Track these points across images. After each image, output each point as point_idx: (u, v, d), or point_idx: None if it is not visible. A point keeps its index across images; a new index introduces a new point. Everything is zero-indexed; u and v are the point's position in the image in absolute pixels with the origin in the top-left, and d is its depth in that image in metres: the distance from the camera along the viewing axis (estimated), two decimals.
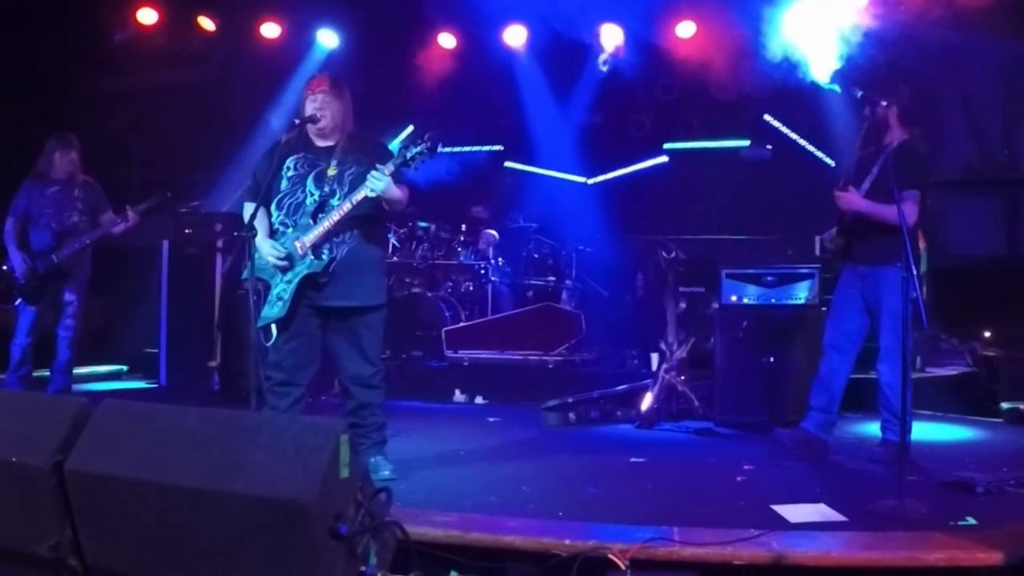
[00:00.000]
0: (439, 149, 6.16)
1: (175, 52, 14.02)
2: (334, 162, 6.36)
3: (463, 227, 12.93)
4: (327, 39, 14.23)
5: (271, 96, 13.88)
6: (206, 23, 14.07)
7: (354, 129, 6.58)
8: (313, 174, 6.36)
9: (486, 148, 15.01)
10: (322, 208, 6.26)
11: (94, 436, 4.28)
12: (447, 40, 14.06)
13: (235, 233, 9.64)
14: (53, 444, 4.28)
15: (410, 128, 12.97)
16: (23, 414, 4.63)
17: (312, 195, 6.31)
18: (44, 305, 9.26)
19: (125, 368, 13.26)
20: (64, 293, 9.24)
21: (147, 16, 13.93)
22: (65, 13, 12.74)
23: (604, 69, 13.45)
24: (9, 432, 4.49)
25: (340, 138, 6.47)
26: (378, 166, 6.07)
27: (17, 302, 9.19)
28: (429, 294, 12.31)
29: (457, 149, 14.31)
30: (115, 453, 4.13)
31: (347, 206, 6.16)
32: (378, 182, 6.00)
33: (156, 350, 11.88)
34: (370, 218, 6.39)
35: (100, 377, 12.71)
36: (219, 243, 11.55)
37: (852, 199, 6.94)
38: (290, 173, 6.40)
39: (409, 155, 6.11)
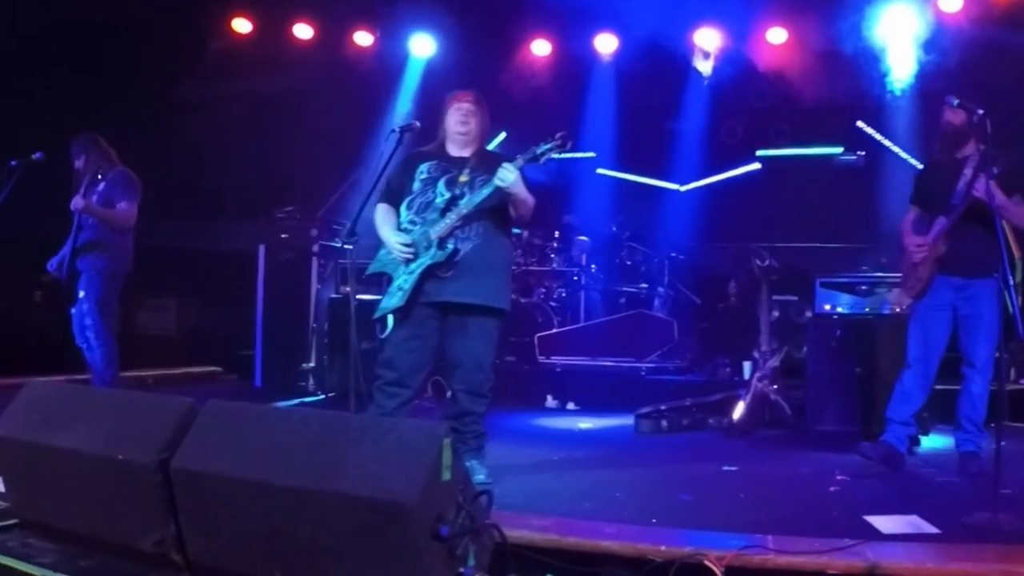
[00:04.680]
0: (568, 147, 6.20)
1: (269, 60, 14.19)
2: (466, 170, 6.45)
3: (556, 234, 12.97)
4: (419, 46, 14.35)
5: (366, 103, 14.02)
6: (301, 32, 14.26)
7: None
8: (445, 178, 6.45)
9: (579, 155, 15.02)
10: (451, 206, 6.32)
11: (200, 435, 4.38)
12: (541, 47, 14.13)
13: (338, 241, 9.69)
14: (160, 442, 4.40)
15: (503, 135, 13.01)
16: (130, 413, 4.74)
17: (442, 195, 6.39)
18: (76, 304, 9.08)
19: (220, 370, 13.46)
20: (78, 289, 9.01)
21: (242, 26, 14.17)
22: (164, 23, 12.96)
23: (706, 82, 13.50)
24: (116, 430, 4.61)
25: (475, 150, 6.60)
26: (506, 163, 6.15)
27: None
28: (523, 300, 12.34)
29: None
30: (220, 452, 4.23)
31: (477, 200, 6.24)
32: (508, 174, 6.06)
33: (251, 352, 12.02)
34: (497, 218, 6.45)
35: (195, 378, 12.91)
36: (314, 248, 11.69)
37: (992, 187, 6.73)
38: (423, 176, 6.52)
39: (539, 151, 6.15)
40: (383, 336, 6.35)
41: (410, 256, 6.33)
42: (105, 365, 9.01)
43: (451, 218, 6.27)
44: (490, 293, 6.37)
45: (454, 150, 6.63)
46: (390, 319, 6.39)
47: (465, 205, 6.27)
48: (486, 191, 6.20)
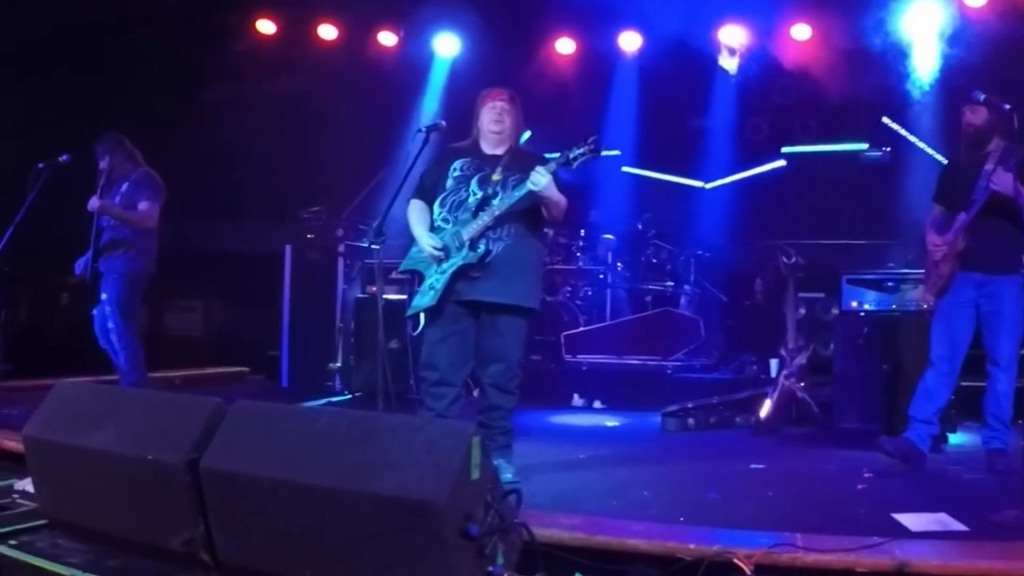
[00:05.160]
0: (601, 152, 6.24)
1: (293, 60, 14.26)
2: (499, 168, 6.48)
3: (582, 232, 12.96)
4: (444, 46, 14.39)
5: (391, 103, 14.06)
6: (325, 32, 14.30)
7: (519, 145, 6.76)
8: (478, 176, 6.49)
9: (604, 153, 15.00)
10: (483, 206, 6.35)
11: (229, 435, 4.41)
12: (565, 45, 14.14)
13: (366, 242, 9.70)
14: (188, 442, 4.42)
15: (528, 133, 13.01)
16: (159, 413, 4.77)
17: (475, 194, 6.42)
18: (98, 306, 9.12)
19: (247, 370, 13.52)
20: (101, 291, 9.03)
21: (266, 26, 14.22)
22: (188, 24, 13.02)
23: (733, 80, 13.49)
24: (145, 430, 4.63)
25: (508, 148, 6.62)
26: (539, 167, 6.15)
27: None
28: (548, 298, 12.30)
29: None
30: (249, 452, 4.25)
31: (507, 202, 6.26)
32: (541, 177, 6.07)
33: (278, 352, 12.05)
34: (529, 219, 6.48)
35: (222, 378, 12.97)
36: (340, 247, 11.72)
37: (1011, 180, 6.69)
38: (456, 174, 6.55)
39: (572, 155, 6.17)
40: (415, 333, 6.40)
41: (441, 256, 6.36)
42: (130, 367, 9.02)
43: (483, 219, 6.29)
44: (519, 293, 6.39)
45: (487, 148, 6.65)
46: (422, 317, 6.42)
47: (498, 206, 6.29)
48: (518, 193, 6.22)
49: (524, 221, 6.45)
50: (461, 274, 6.33)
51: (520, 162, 6.46)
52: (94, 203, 8.81)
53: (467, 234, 6.31)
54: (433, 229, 6.52)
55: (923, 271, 7.80)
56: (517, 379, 6.51)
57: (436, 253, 6.36)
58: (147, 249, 9.15)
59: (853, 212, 13.38)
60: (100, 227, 8.93)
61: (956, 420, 8.43)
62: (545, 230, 7.20)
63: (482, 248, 6.29)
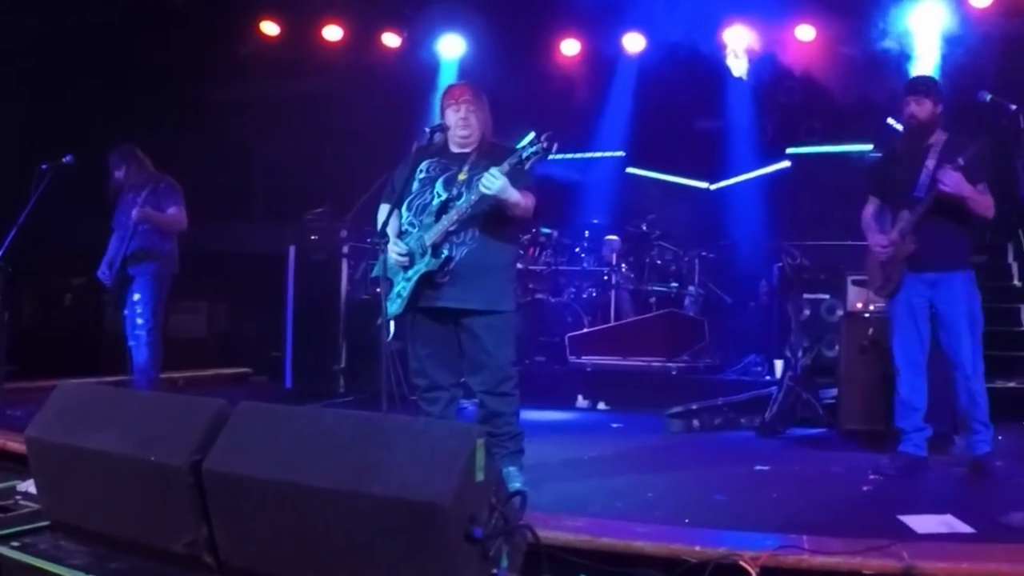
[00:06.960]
0: (554, 150, 5.97)
1: (297, 62, 14.26)
2: (466, 167, 6.29)
3: (586, 233, 12.96)
4: (448, 47, 14.38)
5: (395, 103, 14.04)
6: (329, 34, 14.30)
7: (491, 137, 6.54)
8: (443, 177, 6.31)
9: (608, 154, 15.00)
10: (446, 209, 6.19)
11: (232, 437, 4.40)
12: (570, 47, 14.12)
13: (368, 240, 9.71)
14: (191, 444, 4.41)
15: (531, 135, 13.00)
16: (162, 414, 4.76)
17: (439, 196, 6.25)
18: (127, 307, 9.30)
19: (250, 371, 13.51)
20: (132, 293, 9.23)
21: (270, 28, 14.22)
22: (192, 27, 13.04)
23: (745, 77, 13.46)
24: (148, 432, 4.62)
25: (476, 146, 6.42)
26: (492, 168, 5.97)
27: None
28: (552, 300, 12.35)
29: (579, 155, 14.35)
30: (252, 454, 4.24)
31: (465, 206, 6.10)
32: (494, 180, 5.88)
33: (281, 354, 12.03)
34: (493, 221, 6.26)
35: (226, 379, 12.96)
36: (344, 249, 11.70)
37: (960, 180, 6.65)
38: (422, 176, 6.39)
39: (525, 155, 5.92)
40: (388, 340, 6.30)
41: (406, 263, 6.22)
42: (151, 364, 9.25)
43: (444, 223, 6.13)
44: (485, 298, 6.19)
45: (455, 147, 6.46)
46: (392, 324, 6.34)
47: (457, 210, 6.13)
48: (475, 196, 6.05)
49: (488, 223, 6.25)
50: (426, 281, 6.17)
51: (488, 158, 6.23)
52: (137, 212, 9.06)
53: (429, 239, 6.16)
54: (402, 234, 6.38)
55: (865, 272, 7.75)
56: (511, 380, 6.29)
57: (401, 260, 6.21)
58: (172, 253, 9.45)
59: (858, 213, 13.37)
60: (133, 233, 9.16)
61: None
62: (516, 230, 6.99)
63: (444, 254, 6.12)
